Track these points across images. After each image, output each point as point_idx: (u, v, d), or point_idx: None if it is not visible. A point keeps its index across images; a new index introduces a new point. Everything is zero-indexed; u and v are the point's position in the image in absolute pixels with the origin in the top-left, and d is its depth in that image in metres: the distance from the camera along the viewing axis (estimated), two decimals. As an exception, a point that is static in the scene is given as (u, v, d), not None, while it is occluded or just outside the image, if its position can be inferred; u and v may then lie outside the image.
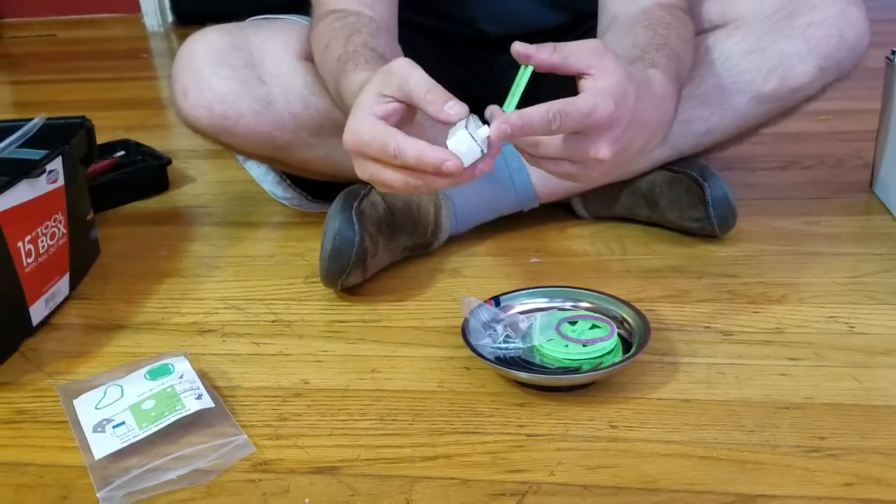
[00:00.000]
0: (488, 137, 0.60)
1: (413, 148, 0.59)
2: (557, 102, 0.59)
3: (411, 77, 0.61)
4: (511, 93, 0.61)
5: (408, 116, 0.63)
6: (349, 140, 0.62)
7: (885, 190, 1.02)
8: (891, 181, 1.00)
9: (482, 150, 0.60)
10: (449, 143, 0.60)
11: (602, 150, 0.61)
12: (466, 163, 0.60)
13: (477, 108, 0.62)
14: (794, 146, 1.21)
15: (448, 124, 0.60)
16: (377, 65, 0.71)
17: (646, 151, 0.68)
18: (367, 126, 0.61)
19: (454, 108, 0.59)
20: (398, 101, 0.62)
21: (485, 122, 0.62)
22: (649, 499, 0.58)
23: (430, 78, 0.61)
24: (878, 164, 1.04)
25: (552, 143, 0.62)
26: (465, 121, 0.60)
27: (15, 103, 1.99)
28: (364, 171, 0.63)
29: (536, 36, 1.02)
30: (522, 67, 0.62)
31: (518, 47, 0.61)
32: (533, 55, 0.60)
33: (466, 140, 0.59)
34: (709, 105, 0.91)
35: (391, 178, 0.61)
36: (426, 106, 0.60)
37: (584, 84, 0.61)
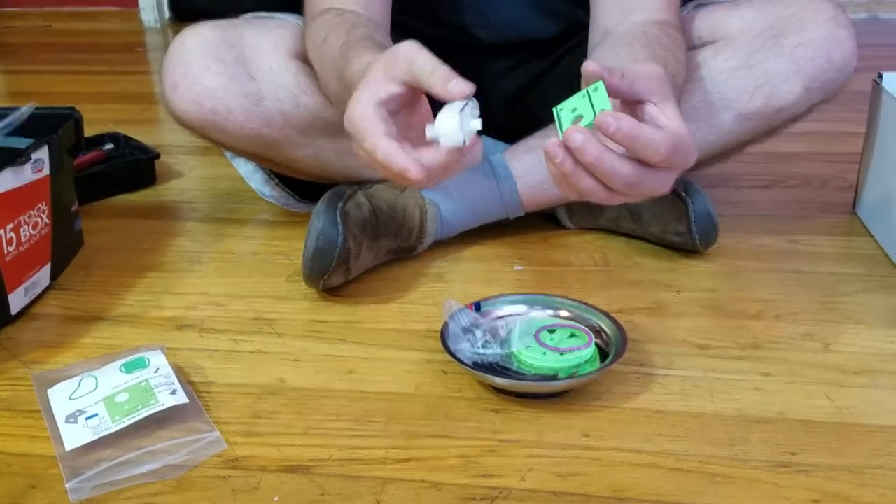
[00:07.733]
0: (478, 132, 0.59)
1: (383, 149, 0.60)
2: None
3: (418, 59, 0.61)
4: (569, 110, 0.60)
5: (411, 101, 0.64)
6: (345, 121, 0.63)
7: (867, 212, 1.03)
8: (873, 203, 1.01)
9: (463, 141, 0.59)
10: (437, 118, 0.60)
11: (662, 186, 0.62)
12: (444, 144, 0.59)
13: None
14: (779, 165, 1.22)
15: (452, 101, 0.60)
16: (381, 53, 0.71)
17: None
18: (358, 113, 0.62)
19: (457, 86, 0.60)
20: (403, 84, 0.62)
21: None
22: (618, 508, 0.59)
23: (437, 59, 0.61)
24: (861, 187, 1.05)
25: (621, 163, 0.60)
26: (463, 103, 0.59)
27: (8, 93, 1.98)
28: (358, 151, 0.64)
29: (530, 44, 1.04)
30: (593, 86, 0.60)
31: (590, 67, 0.61)
32: (606, 78, 0.61)
33: (453, 124, 0.59)
34: (695, 120, 0.91)
35: (375, 165, 0.62)
36: (431, 86, 0.60)
37: (651, 111, 0.62)
